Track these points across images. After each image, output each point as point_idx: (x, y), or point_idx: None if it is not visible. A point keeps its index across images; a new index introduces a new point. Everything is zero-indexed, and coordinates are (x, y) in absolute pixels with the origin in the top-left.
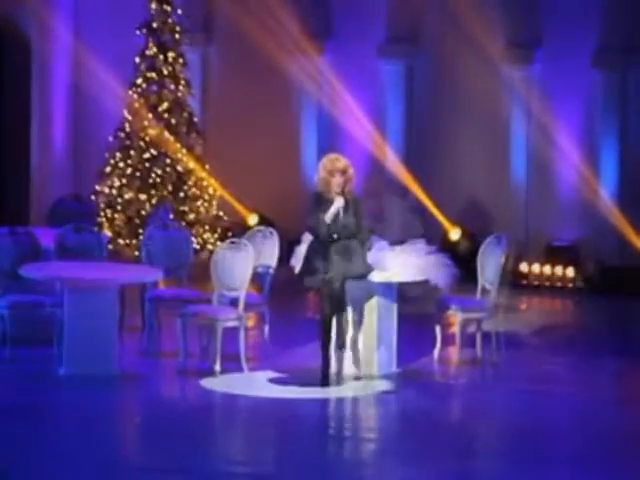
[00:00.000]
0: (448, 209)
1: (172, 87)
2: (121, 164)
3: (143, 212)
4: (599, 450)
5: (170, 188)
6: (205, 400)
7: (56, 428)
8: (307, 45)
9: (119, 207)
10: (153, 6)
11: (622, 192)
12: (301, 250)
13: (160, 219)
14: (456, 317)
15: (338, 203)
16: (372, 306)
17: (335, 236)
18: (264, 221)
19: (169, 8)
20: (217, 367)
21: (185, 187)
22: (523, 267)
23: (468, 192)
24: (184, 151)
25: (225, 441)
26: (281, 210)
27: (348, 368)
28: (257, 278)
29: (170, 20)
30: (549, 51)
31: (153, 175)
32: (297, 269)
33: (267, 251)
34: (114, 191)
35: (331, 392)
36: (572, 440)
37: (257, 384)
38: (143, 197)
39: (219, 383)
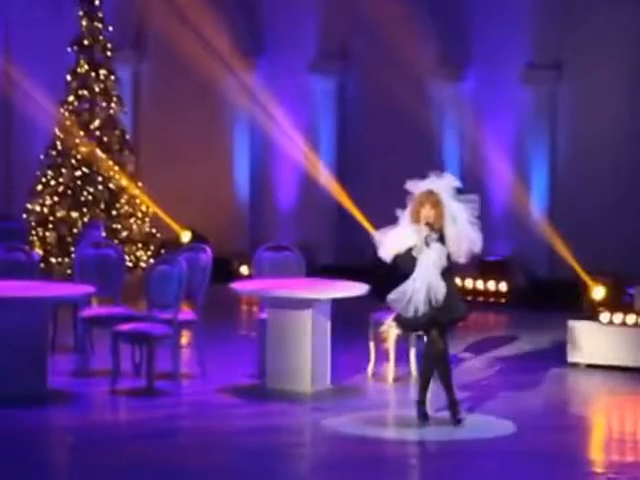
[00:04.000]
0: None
1: (104, 104)
2: (52, 182)
3: (75, 230)
4: None
5: (102, 206)
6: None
7: None
8: (239, 62)
9: (50, 225)
10: (84, 23)
11: (552, 206)
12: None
13: (92, 237)
14: (389, 333)
15: (423, 235)
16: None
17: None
18: (197, 238)
19: (100, 25)
20: (150, 385)
21: (117, 205)
22: (456, 282)
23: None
24: (116, 169)
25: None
26: (214, 227)
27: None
28: (190, 295)
29: (101, 37)
30: (479, 67)
31: (85, 193)
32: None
33: (200, 268)
34: (45, 209)
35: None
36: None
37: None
38: (75, 215)
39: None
